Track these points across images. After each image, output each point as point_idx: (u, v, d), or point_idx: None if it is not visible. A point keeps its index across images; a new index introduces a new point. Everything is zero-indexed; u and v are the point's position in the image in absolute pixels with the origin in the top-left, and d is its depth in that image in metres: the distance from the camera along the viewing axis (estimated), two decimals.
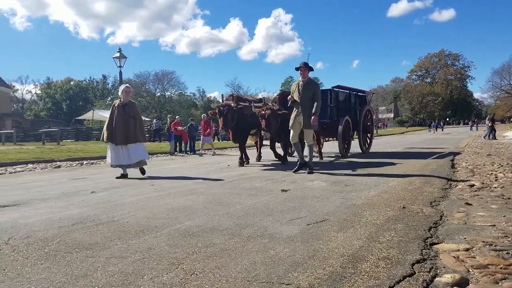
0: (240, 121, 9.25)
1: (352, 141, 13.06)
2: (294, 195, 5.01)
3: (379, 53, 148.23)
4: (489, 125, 24.30)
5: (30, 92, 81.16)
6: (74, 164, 11.76)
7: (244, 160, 9.70)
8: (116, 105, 7.40)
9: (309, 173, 7.23)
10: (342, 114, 11.98)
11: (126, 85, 7.81)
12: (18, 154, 13.48)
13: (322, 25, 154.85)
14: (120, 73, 18.64)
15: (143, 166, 7.64)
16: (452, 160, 9.43)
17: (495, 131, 24.05)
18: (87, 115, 43.16)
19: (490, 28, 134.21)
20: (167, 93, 72.41)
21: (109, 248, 2.83)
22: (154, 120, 30.32)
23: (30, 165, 11.27)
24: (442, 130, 50.90)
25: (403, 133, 46.79)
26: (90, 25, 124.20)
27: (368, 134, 13.90)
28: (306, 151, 7.86)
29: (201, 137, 17.01)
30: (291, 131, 7.71)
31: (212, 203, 4.58)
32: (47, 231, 3.36)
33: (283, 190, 5.34)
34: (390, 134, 41.99)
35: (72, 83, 74.32)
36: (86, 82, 75.79)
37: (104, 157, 13.25)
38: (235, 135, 9.78)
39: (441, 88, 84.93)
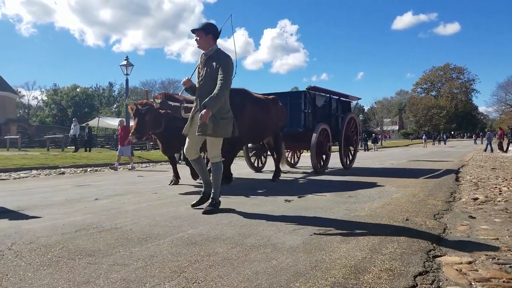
0: (172, 127, 6.67)
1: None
2: (297, 205, 5.00)
3: (384, 65, 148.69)
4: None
5: (36, 98, 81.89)
6: (78, 171, 11.80)
7: (175, 178, 7.68)
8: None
9: (207, 212, 4.42)
10: (320, 122, 10.16)
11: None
12: (22, 160, 13.54)
13: (327, 37, 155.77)
14: (127, 81, 18.79)
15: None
16: (457, 173, 9.39)
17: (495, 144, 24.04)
18: (93, 122, 43.42)
19: (495, 42, 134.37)
20: None
21: (112, 255, 2.84)
22: (72, 125, 23.75)
23: (34, 171, 11.32)
24: (445, 143, 50.68)
25: (407, 145, 46.70)
26: (95, 33, 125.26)
27: (352, 147, 12.01)
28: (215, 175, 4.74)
29: (118, 147, 13.67)
30: (187, 140, 4.79)
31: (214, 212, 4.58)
32: (50, 237, 3.38)
33: (286, 200, 5.34)
34: (395, 146, 41.95)
35: (78, 89, 74.90)
36: (92, 89, 76.39)
37: (108, 164, 13.33)
38: (166, 146, 7.46)
39: (446, 101, 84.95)
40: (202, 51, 4.63)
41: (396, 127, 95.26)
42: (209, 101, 4.27)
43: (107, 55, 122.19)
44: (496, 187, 6.65)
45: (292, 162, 12.37)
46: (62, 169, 11.99)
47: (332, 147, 10.92)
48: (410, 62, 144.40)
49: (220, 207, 4.63)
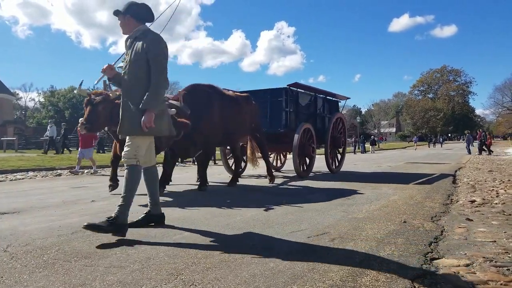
0: None
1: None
2: (294, 207, 4.99)
3: (381, 67, 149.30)
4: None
5: (33, 100, 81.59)
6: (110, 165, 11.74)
7: (113, 184, 6.54)
8: None
9: (89, 226, 3.30)
10: (303, 122, 9.47)
11: None
12: (19, 162, 13.49)
13: (324, 39, 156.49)
14: None
15: None
16: (454, 176, 9.41)
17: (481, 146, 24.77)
18: None
19: (492, 44, 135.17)
20: None
21: (108, 258, 2.82)
22: (49, 126, 22.37)
23: (31, 173, 11.27)
24: (441, 145, 50.78)
25: (405, 147, 46.79)
26: (92, 34, 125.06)
27: (340, 149, 11.33)
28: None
29: (79, 149, 12.08)
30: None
31: (212, 214, 4.57)
32: (46, 239, 3.35)
33: (283, 203, 5.33)
34: (392, 149, 42.01)
35: (75, 91, 74.74)
36: (89, 91, 76.23)
37: (105, 166, 13.27)
38: (119, 145, 6.24)
39: (443, 104, 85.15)
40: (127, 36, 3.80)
41: (394, 129, 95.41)
42: (148, 100, 3.43)
43: (104, 56, 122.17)
44: (493, 190, 6.66)
45: (277, 165, 11.74)
46: (59, 171, 11.95)
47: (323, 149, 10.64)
48: (407, 64, 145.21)
49: (122, 232, 3.38)
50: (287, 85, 9.36)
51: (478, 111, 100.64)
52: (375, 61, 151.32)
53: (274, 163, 11.56)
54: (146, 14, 3.83)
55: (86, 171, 11.83)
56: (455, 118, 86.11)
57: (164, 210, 4.72)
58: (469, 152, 24.61)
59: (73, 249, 3.05)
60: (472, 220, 4.16)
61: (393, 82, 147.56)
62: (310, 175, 9.72)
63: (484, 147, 24.80)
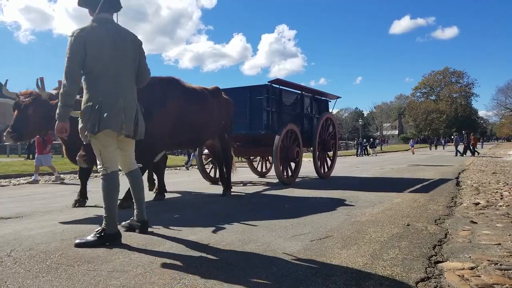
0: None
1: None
2: (297, 210, 4.98)
3: (382, 69, 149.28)
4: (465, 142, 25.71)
5: None
6: (77, 177, 11.76)
7: (81, 199, 5.67)
8: None
9: (99, 244, 3.24)
10: (288, 123, 8.59)
11: None
12: (22, 166, 13.54)
13: (325, 41, 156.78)
14: None
15: None
16: (457, 178, 9.37)
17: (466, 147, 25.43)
18: None
19: (494, 45, 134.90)
20: None
21: (111, 262, 2.82)
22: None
23: (32, 178, 11.29)
24: (443, 148, 50.70)
25: (407, 150, 46.67)
26: None
27: (330, 153, 10.53)
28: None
29: (36, 155, 11.03)
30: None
31: (215, 217, 4.57)
32: (49, 244, 3.35)
33: (284, 207, 5.32)
34: (394, 151, 41.92)
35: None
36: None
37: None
38: (70, 150, 5.43)
39: (446, 106, 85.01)
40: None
41: (396, 132, 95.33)
42: (57, 110, 3.26)
43: None
44: (497, 192, 6.63)
45: (262, 170, 10.94)
46: (62, 175, 11.97)
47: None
48: (408, 66, 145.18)
49: (114, 242, 3.29)
50: (268, 82, 8.50)
51: (481, 113, 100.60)
52: (377, 63, 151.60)
53: (259, 168, 10.93)
54: (94, 2, 3.42)
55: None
56: (458, 120, 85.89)
57: (167, 215, 4.71)
58: (456, 154, 24.98)
59: (76, 253, 3.05)
60: (476, 222, 4.14)
61: (394, 84, 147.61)
62: (297, 180, 9.02)
63: (468, 147, 25.43)
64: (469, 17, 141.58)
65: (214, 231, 3.81)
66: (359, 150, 32.52)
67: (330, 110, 11.24)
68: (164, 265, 2.73)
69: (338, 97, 11.26)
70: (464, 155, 24.44)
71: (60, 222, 4.35)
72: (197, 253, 3.04)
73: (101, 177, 3.33)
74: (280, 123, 8.65)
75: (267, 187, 7.96)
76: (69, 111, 3.27)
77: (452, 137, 29.18)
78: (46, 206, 5.59)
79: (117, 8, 3.55)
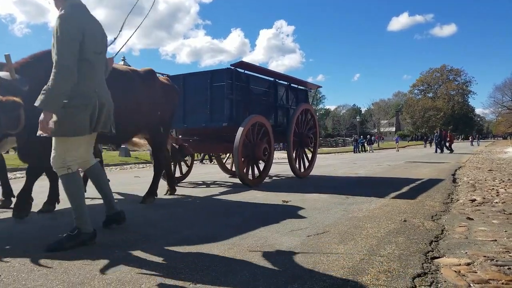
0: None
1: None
2: (294, 206, 4.98)
3: (380, 66, 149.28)
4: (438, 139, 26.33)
5: None
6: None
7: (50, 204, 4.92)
8: None
9: (73, 245, 3.02)
10: (256, 114, 7.35)
11: None
12: (19, 161, 13.45)
13: (323, 38, 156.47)
14: None
15: None
16: (454, 175, 9.40)
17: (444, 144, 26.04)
18: None
19: (492, 43, 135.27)
20: None
21: (107, 256, 2.81)
22: None
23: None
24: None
25: (404, 147, 46.80)
26: None
27: (308, 149, 9.36)
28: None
29: None
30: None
31: (212, 212, 4.56)
32: (45, 238, 3.34)
33: (283, 201, 5.32)
34: (392, 148, 42.01)
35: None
36: None
37: (109, 165, 13.25)
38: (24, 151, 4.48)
39: (443, 103, 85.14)
40: None
41: (393, 129, 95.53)
42: (42, 98, 2.80)
43: None
44: (493, 189, 6.65)
45: (233, 169, 9.12)
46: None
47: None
48: (406, 63, 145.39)
49: (89, 241, 3.10)
50: (231, 65, 7.27)
51: (478, 111, 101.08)
52: (375, 60, 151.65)
53: (230, 167, 9.59)
54: None
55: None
56: (454, 117, 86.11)
57: (164, 210, 4.69)
58: (436, 151, 25.71)
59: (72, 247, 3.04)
60: (472, 219, 4.15)
61: (392, 81, 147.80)
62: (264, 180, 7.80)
63: (445, 145, 26.04)
64: (468, 15, 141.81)
65: (210, 226, 3.81)
66: (356, 147, 32.58)
67: (310, 101, 10.17)
68: (161, 260, 2.73)
69: (319, 87, 10.46)
70: (441, 152, 25.19)
71: (56, 216, 4.34)
72: (193, 248, 3.03)
73: (63, 177, 3.05)
74: (247, 114, 7.42)
75: (227, 189, 6.95)
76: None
77: (435, 133, 29.64)
78: (42, 200, 5.54)
79: None
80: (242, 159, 6.79)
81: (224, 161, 9.77)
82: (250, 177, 7.20)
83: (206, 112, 7.26)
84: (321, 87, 10.55)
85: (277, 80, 8.65)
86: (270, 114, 8.33)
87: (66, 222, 3.99)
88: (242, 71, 7.55)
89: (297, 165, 8.67)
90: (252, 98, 7.82)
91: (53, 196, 4.92)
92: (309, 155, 9.53)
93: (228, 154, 9.54)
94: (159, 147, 5.68)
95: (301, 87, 9.70)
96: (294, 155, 8.50)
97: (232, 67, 7.25)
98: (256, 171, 7.48)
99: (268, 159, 7.55)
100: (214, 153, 9.27)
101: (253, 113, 7.34)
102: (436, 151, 25.79)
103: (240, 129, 6.68)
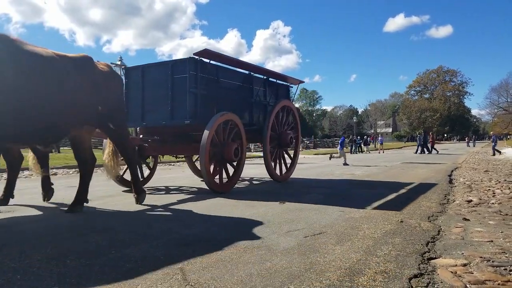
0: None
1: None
2: (291, 207, 4.98)
3: (377, 67, 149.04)
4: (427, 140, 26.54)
5: None
6: (71, 172, 11.70)
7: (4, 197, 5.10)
8: None
9: None
10: (225, 111, 6.50)
11: None
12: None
13: (320, 38, 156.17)
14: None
15: None
16: (450, 176, 9.42)
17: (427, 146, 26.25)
18: None
19: (488, 44, 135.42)
20: None
21: (104, 256, 2.80)
22: None
23: (26, 172, 11.19)
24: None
25: (401, 147, 46.86)
26: (86, 33, 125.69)
27: (289, 150, 8.68)
28: None
29: None
30: None
31: (209, 213, 4.55)
32: (42, 238, 3.32)
33: (280, 202, 5.31)
34: (388, 149, 42.08)
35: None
36: None
37: (99, 166, 13.18)
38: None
39: (439, 104, 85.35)
40: None
41: (390, 130, 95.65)
42: None
43: (98, 55, 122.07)
44: (489, 190, 6.67)
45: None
46: (54, 170, 11.88)
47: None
48: (402, 64, 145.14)
49: None
50: (194, 54, 6.34)
51: (474, 112, 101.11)
52: (371, 61, 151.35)
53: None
54: None
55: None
56: (451, 118, 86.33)
57: (160, 211, 4.69)
58: (416, 152, 25.90)
59: (68, 248, 3.03)
60: (469, 220, 4.16)
61: (389, 82, 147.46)
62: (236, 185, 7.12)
63: (425, 146, 26.17)
64: (464, 16, 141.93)
65: (207, 227, 3.80)
66: (353, 147, 32.59)
67: (292, 98, 9.27)
68: (157, 261, 2.72)
69: (301, 82, 9.38)
70: (429, 152, 25.50)
71: (52, 217, 4.32)
72: (190, 248, 3.02)
73: None
74: (215, 111, 6.54)
75: (191, 196, 6.19)
76: None
77: (418, 135, 30.14)
78: (38, 201, 5.53)
79: None
80: (209, 160, 6.04)
81: (194, 162, 8.89)
82: (217, 181, 6.42)
83: (167, 108, 6.46)
84: (304, 81, 9.63)
85: (252, 73, 7.82)
86: (243, 111, 7.50)
87: (64, 222, 3.98)
88: (208, 61, 6.57)
89: (277, 167, 8.03)
90: (221, 93, 6.92)
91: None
92: (296, 156, 8.95)
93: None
94: (120, 141, 5.23)
95: (281, 82, 8.81)
96: (271, 156, 7.80)
97: (196, 57, 6.35)
98: (224, 175, 6.67)
99: (239, 161, 6.84)
100: (180, 155, 8.22)
101: (222, 110, 6.54)
102: (416, 152, 25.95)
103: (206, 131, 5.95)
